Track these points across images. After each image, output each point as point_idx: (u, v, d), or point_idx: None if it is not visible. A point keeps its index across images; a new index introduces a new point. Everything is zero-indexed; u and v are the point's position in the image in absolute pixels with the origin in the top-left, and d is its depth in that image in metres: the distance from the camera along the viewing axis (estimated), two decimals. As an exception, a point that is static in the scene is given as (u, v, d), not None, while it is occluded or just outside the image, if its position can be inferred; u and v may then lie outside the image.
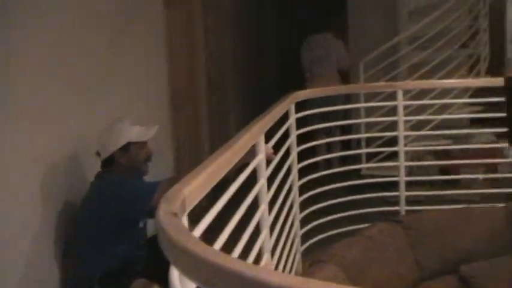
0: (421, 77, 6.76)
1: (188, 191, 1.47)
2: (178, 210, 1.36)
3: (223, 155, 1.80)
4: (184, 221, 1.41)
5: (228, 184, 2.02)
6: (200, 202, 1.58)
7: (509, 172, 5.38)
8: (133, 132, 3.34)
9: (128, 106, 4.26)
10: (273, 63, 10.71)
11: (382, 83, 6.17)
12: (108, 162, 3.32)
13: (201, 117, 6.18)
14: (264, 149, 2.59)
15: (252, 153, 2.49)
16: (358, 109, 6.57)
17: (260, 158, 2.52)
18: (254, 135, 2.34)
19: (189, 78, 5.84)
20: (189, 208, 1.46)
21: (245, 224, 2.26)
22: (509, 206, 4.24)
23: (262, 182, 2.53)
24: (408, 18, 7.47)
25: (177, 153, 5.36)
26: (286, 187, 3.66)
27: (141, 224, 3.34)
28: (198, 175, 1.57)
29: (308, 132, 4.56)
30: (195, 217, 1.65)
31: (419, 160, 6.24)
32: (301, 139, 4.28)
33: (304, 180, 4.31)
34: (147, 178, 3.44)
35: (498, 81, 4.84)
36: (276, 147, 3.27)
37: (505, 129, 4.81)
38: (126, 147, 3.31)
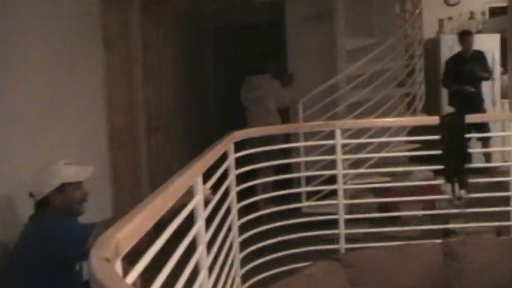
0: (359, 116, 6.86)
1: (122, 236, 1.45)
2: (111, 255, 1.34)
3: (158, 198, 1.79)
4: (118, 266, 1.40)
5: (165, 226, 2.01)
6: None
7: (447, 208, 5.47)
8: (68, 173, 3.27)
9: (65, 145, 4.21)
10: (215, 101, 10.72)
11: (320, 122, 6.24)
12: (43, 204, 3.24)
13: (141, 157, 6.14)
14: (201, 190, 2.59)
15: (190, 194, 2.48)
16: (297, 148, 6.61)
17: (198, 199, 2.52)
18: (191, 176, 2.34)
19: (128, 117, 5.81)
20: (123, 253, 1.45)
21: (184, 265, 2.25)
22: (446, 242, 4.31)
23: (199, 223, 2.52)
24: (346, 58, 7.59)
25: (116, 194, 5.31)
26: (226, 227, 3.65)
27: (77, 267, 3.27)
28: (132, 219, 1.56)
29: (251, 170, 4.57)
30: (132, 259, 1.64)
31: (358, 198, 6.30)
32: (243, 177, 4.28)
33: (244, 220, 4.30)
34: (85, 219, 3.38)
35: (433, 120, 4.95)
36: (217, 186, 3.27)
37: (441, 166, 4.91)
38: (61, 188, 3.24)
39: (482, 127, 7.00)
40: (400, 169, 6.39)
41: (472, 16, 9.84)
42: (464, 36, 8.27)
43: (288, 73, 7.98)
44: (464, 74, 8.12)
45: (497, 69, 9.03)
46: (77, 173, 3.31)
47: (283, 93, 7.52)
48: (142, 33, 6.19)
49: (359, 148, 6.42)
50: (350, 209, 5.93)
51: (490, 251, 4.15)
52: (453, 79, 8.29)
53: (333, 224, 4.82)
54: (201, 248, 2.54)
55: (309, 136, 6.42)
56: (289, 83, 7.70)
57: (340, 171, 4.78)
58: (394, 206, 6.21)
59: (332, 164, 5.03)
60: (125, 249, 1.46)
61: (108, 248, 1.35)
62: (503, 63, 8.65)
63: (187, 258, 2.32)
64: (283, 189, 5.09)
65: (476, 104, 8.04)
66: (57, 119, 4.17)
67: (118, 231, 1.47)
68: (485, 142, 7.50)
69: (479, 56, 8.30)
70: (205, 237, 2.64)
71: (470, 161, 5.06)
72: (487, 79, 8.39)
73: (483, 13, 9.95)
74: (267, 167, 5.49)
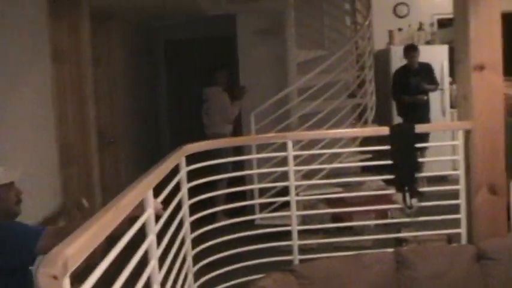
0: (311, 127, 6.90)
1: (70, 252, 1.43)
2: (59, 272, 1.32)
3: (107, 214, 1.77)
4: (66, 283, 1.38)
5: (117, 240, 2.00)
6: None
7: (399, 217, 5.53)
8: None
9: (14, 161, 4.15)
10: (169, 114, 10.69)
11: (272, 134, 6.25)
12: None
13: (93, 172, 6.07)
14: (152, 204, 2.57)
15: (142, 206, 2.46)
16: (250, 160, 6.61)
17: (149, 213, 2.50)
18: (141, 191, 2.33)
19: (79, 132, 5.74)
20: (71, 269, 1.43)
21: (136, 278, 2.23)
22: (398, 250, 4.36)
23: (151, 237, 2.51)
24: (298, 70, 7.64)
25: (67, 211, 5.23)
26: (179, 240, 3.63)
27: (31, 267, 3.18)
28: (81, 235, 1.54)
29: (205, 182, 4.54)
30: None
31: (312, 209, 6.33)
32: (196, 190, 4.26)
33: (197, 233, 4.28)
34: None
35: (383, 130, 5.00)
36: (170, 200, 3.25)
37: (392, 176, 4.96)
38: None
39: (423, 136, 7.11)
40: (352, 179, 6.44)
41: (421, 27, 10.00)
42: (410, 51, 8.38)
43: (239, 86, 8.00)
44: (411, 86, 8.25)
45: (446, 80, 9.18)
46: (5, 175, 3.24)
47: (228, 106, 7.53)
48: (93, 47, 6.14)
49: (311, 159, 6.46)
50: (303, 220, 5.95)
51: (442, 259, 4.20)
52: (400, 91, 8.41)
53: (287, 235, 4.83)
54: (153, 263, 2.53)
55: (261, 148, 6.44)
56: (241, 96, 7.72)
57: (292, 182, 4.79)
58: (347, 216, 6.26)
59: (284, 176, 5.03)
60: (73, 266, 1.44)
61: (55, 265, 1.33)
62: (452, 74, 8.78)
63: (140, 271, 2.30)
64: (236, 201, 5.07)
65: (422, 114, 8.18)
66: (4, 135, 4.11)
67: (67, 247, 1.45)
68: (422, 152, 7.61)
69: (426, 69, 8.43)
70: (157, 252, 2.62)
71: (420, 170, 5.12)
72: (433, 91, 8.53)
73: (432, 24, 10.13)
74: (220, 180, 5.47)
